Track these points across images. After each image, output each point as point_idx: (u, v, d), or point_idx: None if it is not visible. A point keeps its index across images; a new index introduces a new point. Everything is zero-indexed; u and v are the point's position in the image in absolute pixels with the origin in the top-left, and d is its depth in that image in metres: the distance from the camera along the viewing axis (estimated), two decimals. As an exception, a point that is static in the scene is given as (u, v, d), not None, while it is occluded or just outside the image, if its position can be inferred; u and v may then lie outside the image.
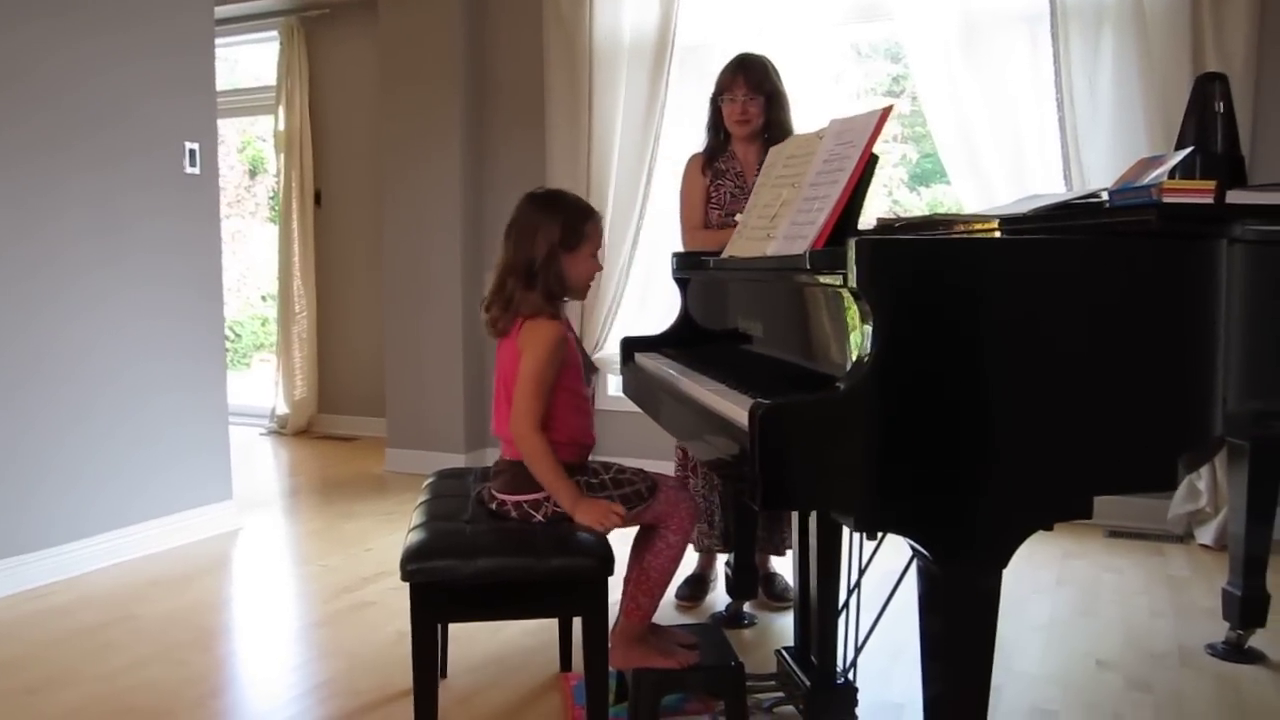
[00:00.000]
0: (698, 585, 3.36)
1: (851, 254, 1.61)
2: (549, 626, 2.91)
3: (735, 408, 1.78)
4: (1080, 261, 1.70)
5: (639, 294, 4.96)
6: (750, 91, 3.25)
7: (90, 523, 3.70)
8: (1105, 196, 2.06)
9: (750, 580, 3.14)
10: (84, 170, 3.67)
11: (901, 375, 1.59)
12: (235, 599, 3.50)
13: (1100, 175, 3.86)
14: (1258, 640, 2.87)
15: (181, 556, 3.87)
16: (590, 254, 2.33)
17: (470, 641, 2.91)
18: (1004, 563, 1.67)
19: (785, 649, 2.60)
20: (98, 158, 3.72)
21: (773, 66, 3.33)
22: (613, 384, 4.97)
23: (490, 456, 5.25)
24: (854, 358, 1.70)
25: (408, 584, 2.09)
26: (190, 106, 4.11)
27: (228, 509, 4.27)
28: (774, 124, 3.30)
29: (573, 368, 2.29)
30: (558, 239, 2.26)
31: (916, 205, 5.96)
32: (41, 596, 3.39)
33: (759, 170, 3.22)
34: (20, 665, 2.84)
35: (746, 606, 3.20)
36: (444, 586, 2.07)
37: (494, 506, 2.31)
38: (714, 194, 3.37)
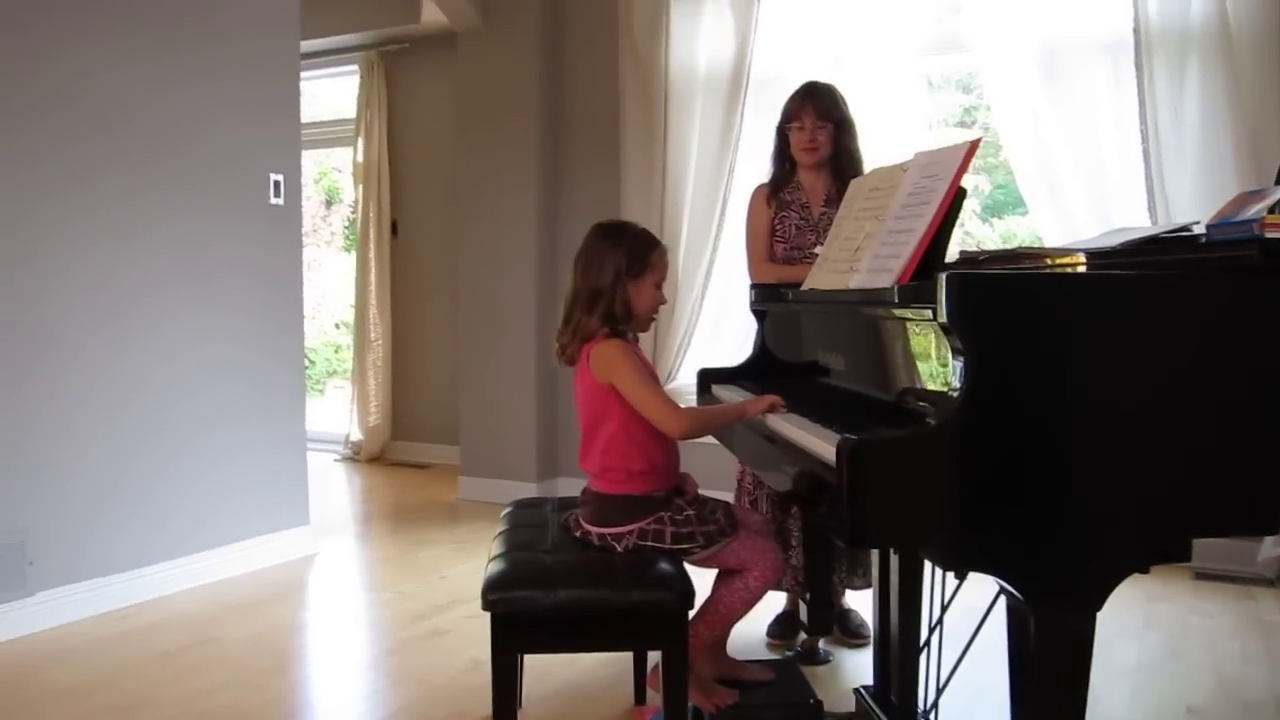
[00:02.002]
0: (788, 623, 3.29)
1: (942, 288, 1.59)
2: (624, 658, 2.89)
3: (821, 443, 1.77)
4: (1177, 297, 1.66)
5: (712, 325, 4.95)
6: (819, 119, 3.24)
7: (170, 545, 3.77)
8: (1197, 230, 2.01)
9: (826, 616, 3.10)
10: (175, 211, 3.79)
11: (992, 411, 1.56)
12: (311, 624, 3.54)
13: (1185, 208, 3.78)
14: (1357, 690, 2.77)
15: (259, 580, 3.93)
16: (654, 284, 2.35)
17: (546, 672, 2.91)
18: (1099, 605, 1.62)
19: (865, 687, 2.56)
20: (184, 185, 3.83)
21: (840, 94, 3.32)
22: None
23: (562, 486, 5.28)
24: (942, 393, 1.67)
25: (485, 613, 2.10)
26: (276, 140, 4.21)
27: (305, 534, 4.33)
28: (842, 152, 3.29)
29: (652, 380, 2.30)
30: (624, 266, 2.30)
31: (989, 237, 5.89)
32: (123, 618, 3.46)
33: (824, 201, 3.22)
34: (101, 687, 2.89)
35: (822, 643, 3.15)
36: (524, 616, 2.08)
37: (578, 535, 2.33)
38: (779, 226, 3.35)
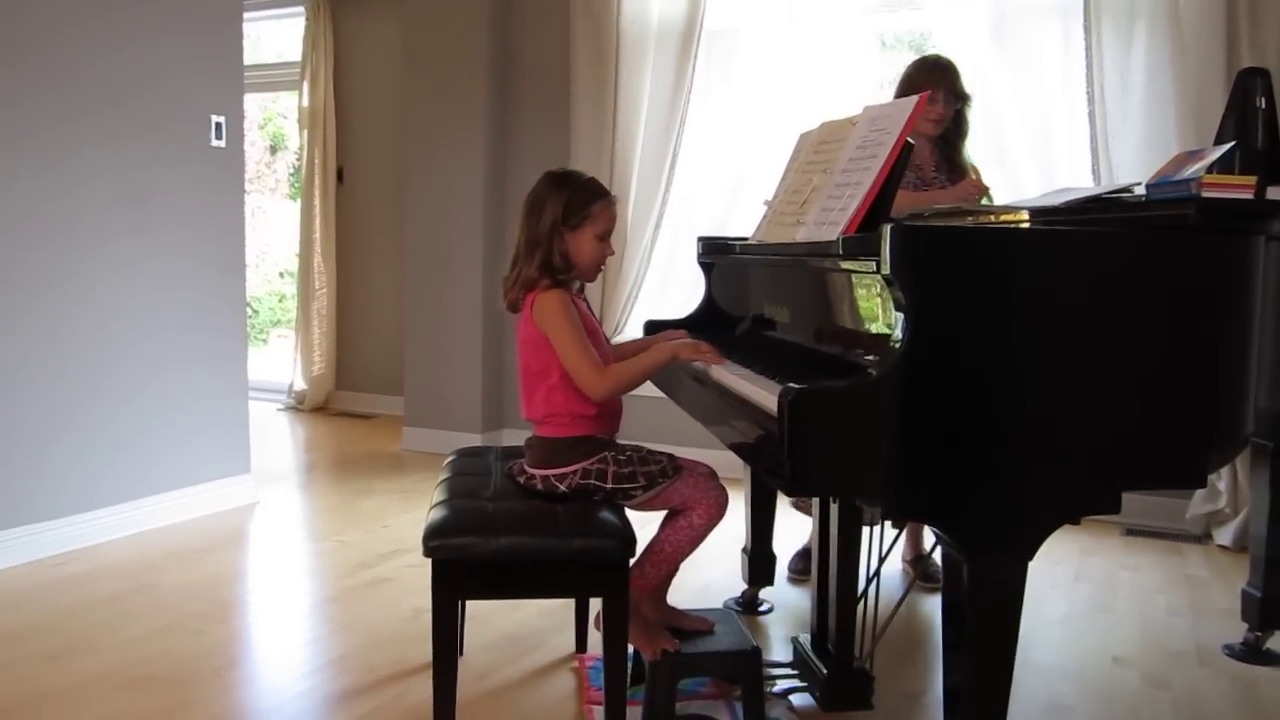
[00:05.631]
0: (809, 558, 3.34)
1: (886, 240, 1.60)
2: (566, 606, 2.91)
3: (764, 393, 1.78)
4: (1116, 254, 1.69)
5: (660, 278, 4.96)
6: (949, 95, 3.29)
7: (109, 493, 3.71)
8: (1139, 191, 2.04)
9: (767, 567, 3.15)
10: (110, 137, 3.67)
11: (932, 363, 1.58)
12: (252, 572, 3.51)
13: (1128, 171, 3.83)
14: (1276, 642, 2.85)
15: (199, 528, 3.89)
16: (596, 236, 2.33)
17: (487, 620, 2.92)
18: (1030, 555, 1.66)
19: (802, 637, 2.60)
20: (124, 128, 3.72)
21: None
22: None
23: (507, 437, 5.28)
24: (884, 345, 1.69)
25: (427, 561, 2.09)
26: (217, 80, 4.10)
27: (245, 483, 4.28)
28: (963, 121, 3.38)
29: (591, 334, 2.30)
30: (560, 215, 2.28)
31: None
32: (60, 565, 3.41)
33: (935, 168, 3.32)
34: (40, 632, 2.85)
35: (762, 593, 3.20)
36: (465, 563, 2.07)
37: (522, 480, 2.34)
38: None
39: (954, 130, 3.37)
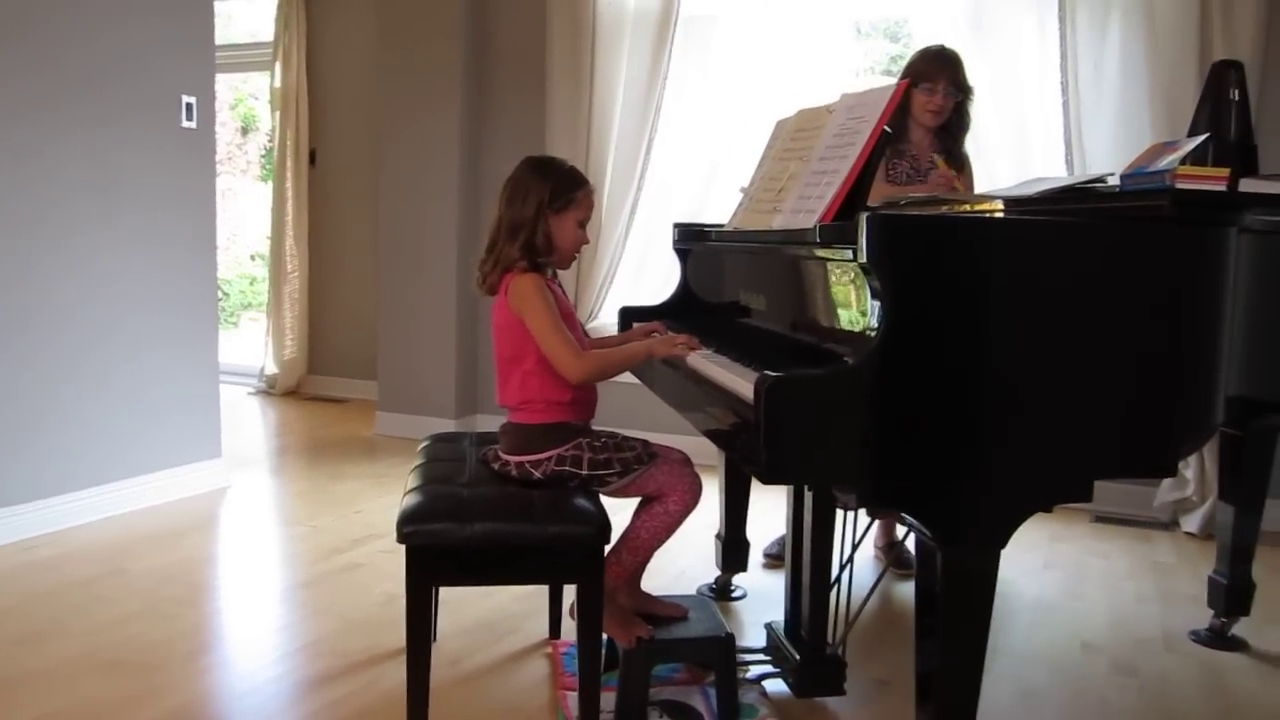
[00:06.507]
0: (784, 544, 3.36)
1: (862, 228, 1.60)
2: (539, 592, 2.91)
3: (740, 380, 1.78)
4: (1090, 244, 1.70)
5: (635, 264, 4.95)
6: (951, 87, 3.29)
7: (79, 476, 3.68)
8: (1112, 181, 2.05)
9: (741, 554, 3.16)
10: (80, 125, 3.62)
11: (908, 352, 1.59)
12: (223, 557, 3.49)
13: (1102, 161, 3.85)
14: (1240, 628, 2.89)
15: (170, 513, 3.86)
16: (577, 221, 2.37)
17: (460, 606, 2.92)
18: (1003, 543, 1.67)
19: (776, 623, 2.61)
20: (94, 112, 3.67)
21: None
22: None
23: (481, 423, 5.26)
24: (860, 333, 1.70)
25: (401, 546, 2.08)
26: (187, 60, 4.05)
27: (216, 467, 4.25)
28: (964, 114, 3.39)
29: (566, 318, 2.31)
30: (546, 198, 2.31)
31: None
32: (29, 549, 3.38)
33: (931, 158, 3.31)
34: (8, 617, 2.83)
35: (736, 579, 3.21)
36: (439, 549, 2.07)
37: (497, 467, 2.34)
38: (891, 172, 3.37)
39: (955, 122, 3.37)
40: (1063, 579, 3.38)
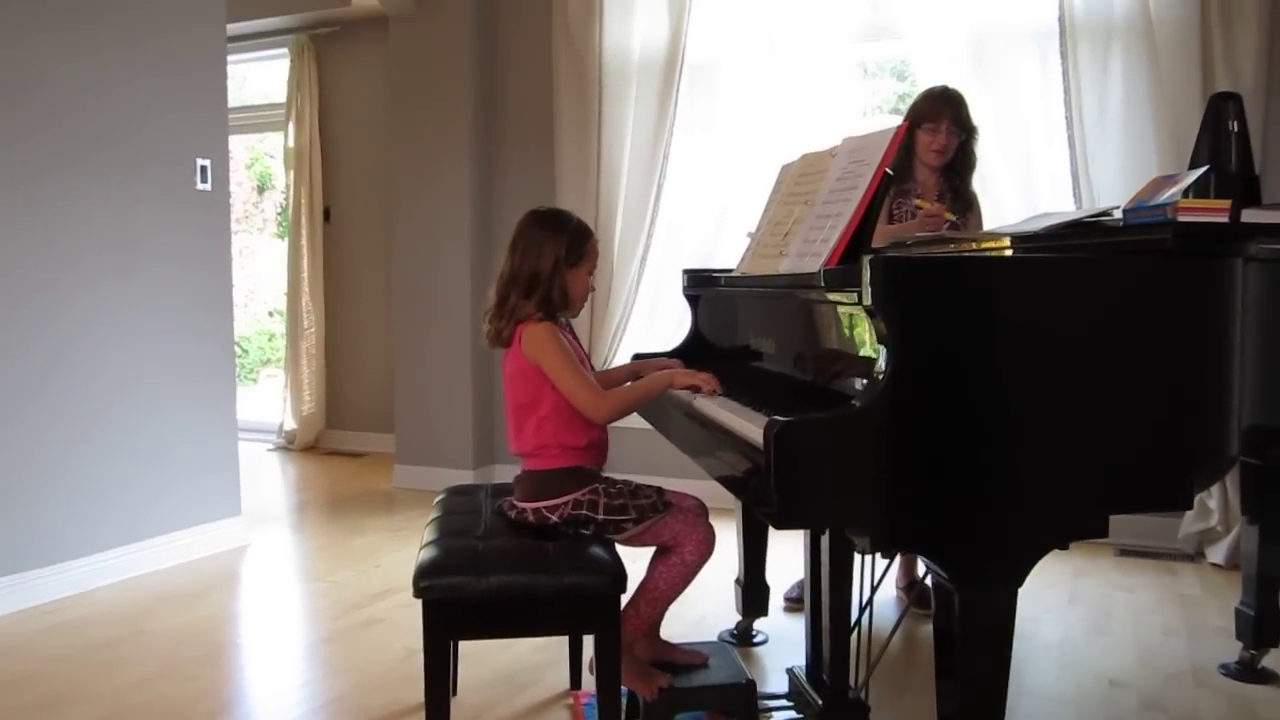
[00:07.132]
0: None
1: (866, 272, 1.61)
2: (559, 643, 2.89)
3: (749, 425, 1.78)
4: (1096, 280, 1.70)
5: (647, 310, 4.97)
6: (954, 126, 3.30)
7: (100, 538, 3.70)
8: (1117, 215, 2.06)
9: (760, 598, 3.14)
10: (96, 186, 3.69)
11: (916, 393, 1.59)
12: (244, 615, 3.49)
13: (1109, 194, 3.86)
14: (1271, 660, 2.85)
15: (190, 572, 3.87)
16: (588, 272, 2.40)
17: (480, 658, 2.91)
18: (1020, 581, 1.66)
19: (797, 667, 2.59)
20: (109, 173, 3.73)
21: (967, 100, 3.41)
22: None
23: (498, 473, 5.26)
24: (868, 376, 1.70)
25: (419, 601, 2.09)
26: (202, 123, 4.12)
27: (236, 525, 4.27)
28: (968, 154, 3.40)
29: (579, 363, 2.32)
30: (564, 254, 2.33)
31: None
32: (51, 612, 3.39)
33: (938, 196, 3.33)
34: (31, 681, 2.83)
35: (757, 624, 3.19)
36: (456, 603, 2.07)
37: (514, 515, 2.34)
38: (896, 212, 3.38)
39: (961, 161, 3.38)
40: (1088, 615, 3.34)
